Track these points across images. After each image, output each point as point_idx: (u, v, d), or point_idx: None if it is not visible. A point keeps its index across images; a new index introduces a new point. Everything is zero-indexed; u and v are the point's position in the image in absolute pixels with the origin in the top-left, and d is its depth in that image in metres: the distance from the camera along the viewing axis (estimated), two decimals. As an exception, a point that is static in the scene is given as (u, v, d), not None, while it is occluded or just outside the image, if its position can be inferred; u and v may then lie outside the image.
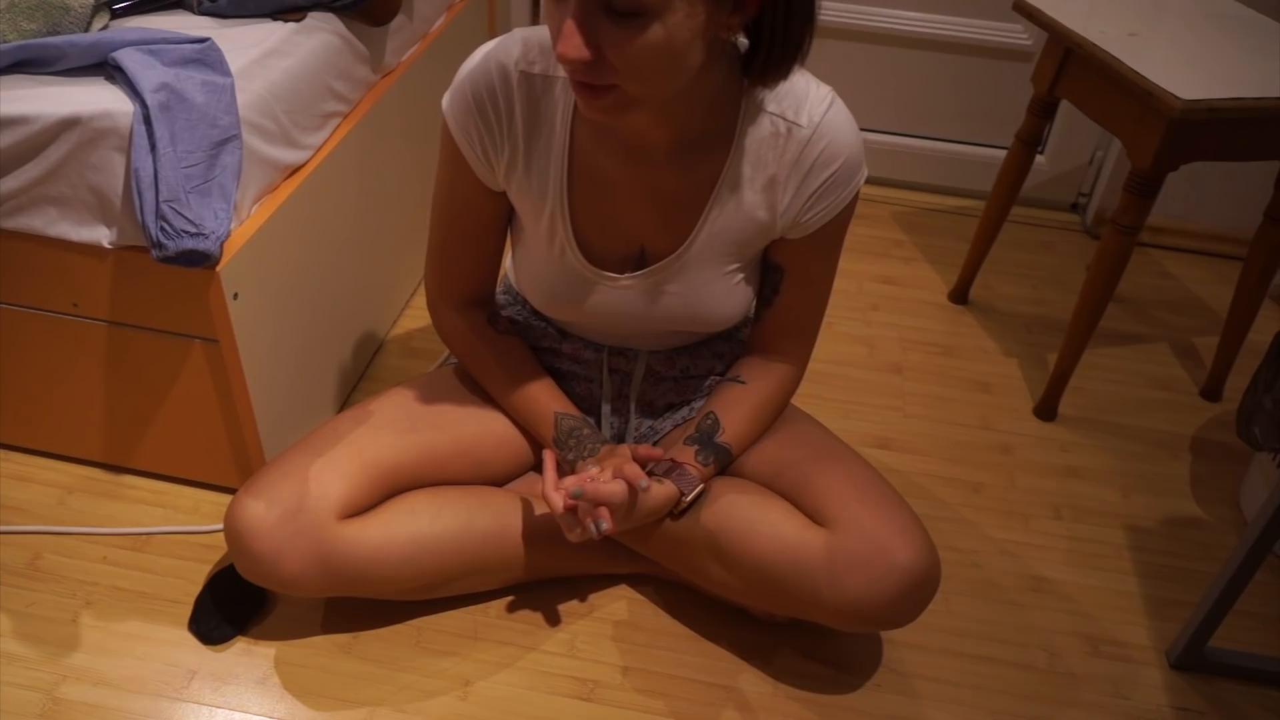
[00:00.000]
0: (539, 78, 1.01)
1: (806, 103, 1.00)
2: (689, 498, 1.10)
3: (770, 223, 1.06)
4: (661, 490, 1.08)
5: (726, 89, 0.98)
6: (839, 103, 1.01)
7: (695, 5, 0.82)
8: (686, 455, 1.12)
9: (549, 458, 1.09)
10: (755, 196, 1.04)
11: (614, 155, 1.02)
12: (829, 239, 1.09)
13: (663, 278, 1.09)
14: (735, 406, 1.15)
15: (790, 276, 1.11)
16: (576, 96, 0.89)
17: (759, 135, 1.01)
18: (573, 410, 1.18)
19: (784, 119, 1.00)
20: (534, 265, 1.13)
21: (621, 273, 1.09)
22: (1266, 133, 1.35)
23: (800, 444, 1.17)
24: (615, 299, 1.11)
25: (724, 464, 1.15)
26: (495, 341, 1.20)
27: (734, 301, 1.12)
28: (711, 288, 1.11)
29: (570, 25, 0.81)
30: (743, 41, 0.94)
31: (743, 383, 1.17)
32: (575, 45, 0.82)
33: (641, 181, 1.03)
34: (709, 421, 1.14)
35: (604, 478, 1.05)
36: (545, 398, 1.18)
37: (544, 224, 1.08)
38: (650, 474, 1.10)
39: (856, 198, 1.06)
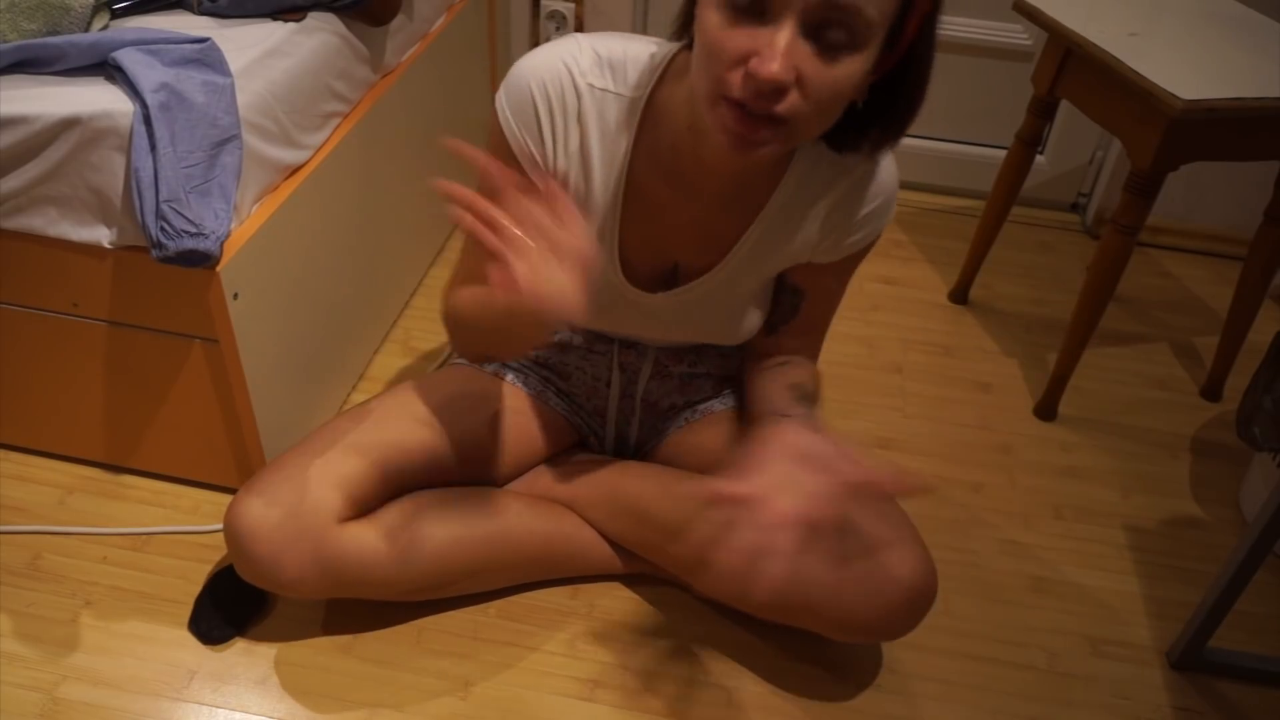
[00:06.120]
0: (602, 93, 0.97)
1: None
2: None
3: (801, 251, 1.06)
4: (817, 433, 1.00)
5: None
6: None
7: (874, 52, 0.80)
8: (801, 414, 1.06)
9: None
10: (792, 227, 1.03)
11: (666, 183, 1.00)
12: (851, 265, 1.10)
13: (691, 298, 1.09)
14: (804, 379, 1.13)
15: (810, 297, 1.12)
16: (729, 128, 0.81)
17: (808, 168, 1.00)
18: None
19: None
20: None
21: (652, 289, 1.08)
22: (1266, 133, 1.35)
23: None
24: (642, 312, 1.11)
25: None
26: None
27: (752, 319, 1.13)
28: (734, 307, 1.11)
29: (782, 44, 0.76)
30: None
31: (797, 365, 1.15)
32: (785, 69, 0.76)
33: (688, 209, 1.02)
34: (803, 391, 1.09)
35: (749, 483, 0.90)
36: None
37: None
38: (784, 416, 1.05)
39: (883, 230, 1.06)
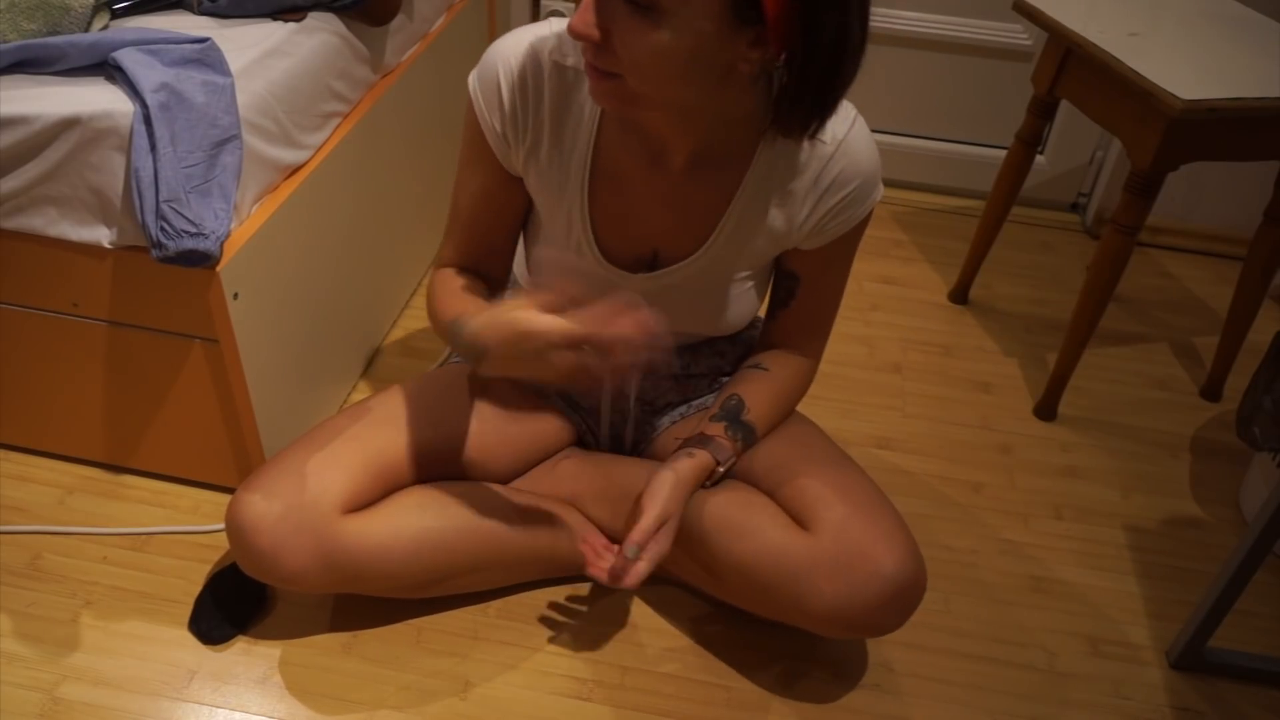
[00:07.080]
0: (571, 70, 1.00)
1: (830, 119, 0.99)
2: (724, 468, 1.10)
3: (785, 235, 1.06)
4: (693, 462, 1.07)
5: (754, 111, 0.98)
6: (861, 121, 1.02)
7: (706, 21, 0.81)
8: (716, 430, 1.11)
9: (581, 535, 1.08)
10: (772, 209, 1.04)
11: (636, 158, 1.02)
12: (843, 250, 1.10)
13: (673, 281, 1.09)
14: (757, 390, 1.15)
15: (805, 283, 1.12)
16: (587, 77, 0.90)
17: (780, 149, 1.01)
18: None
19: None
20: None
21: (634, 273, 1.09)
22: (1266, 133, 1.35)
23: (789, 443, 1.17)
24: None
25: (749, 443, 1.13)
26: (457, 279, 1.11)
27: (741, 309, 1.13)
28: (721, 294, 1.11)
29: (589, 2, 0.83)
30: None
31: (765, 369, 1.16)
32: (587, 23, 0.83)
33: (660, 186, 1.03)
34: (733, 402, 1.13)
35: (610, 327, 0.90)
36: (461, 308, 1.04)
37: (561, 217, 1.07)
38: (682, 449, 1.10)
39: (871, 213, 1.06)
